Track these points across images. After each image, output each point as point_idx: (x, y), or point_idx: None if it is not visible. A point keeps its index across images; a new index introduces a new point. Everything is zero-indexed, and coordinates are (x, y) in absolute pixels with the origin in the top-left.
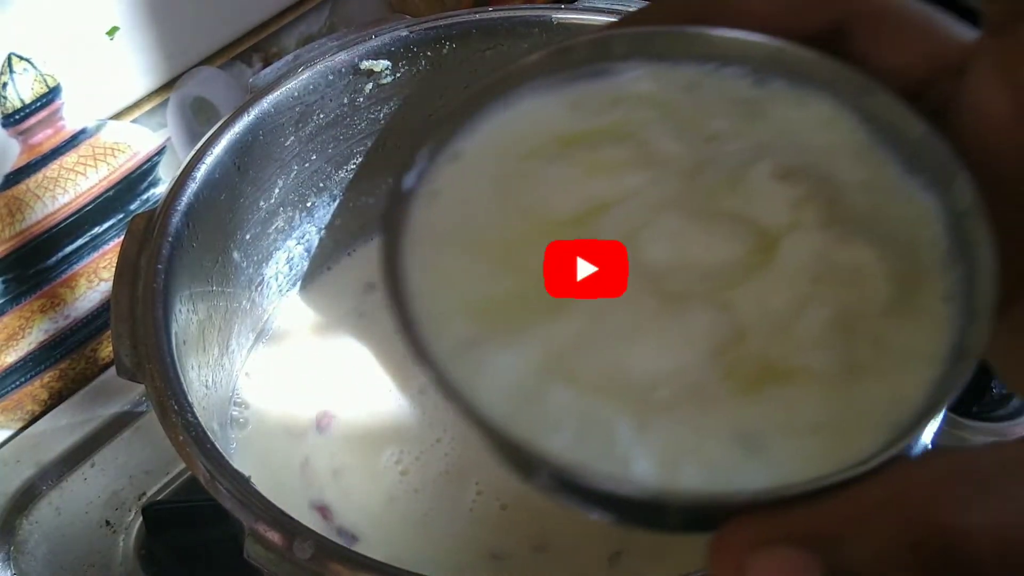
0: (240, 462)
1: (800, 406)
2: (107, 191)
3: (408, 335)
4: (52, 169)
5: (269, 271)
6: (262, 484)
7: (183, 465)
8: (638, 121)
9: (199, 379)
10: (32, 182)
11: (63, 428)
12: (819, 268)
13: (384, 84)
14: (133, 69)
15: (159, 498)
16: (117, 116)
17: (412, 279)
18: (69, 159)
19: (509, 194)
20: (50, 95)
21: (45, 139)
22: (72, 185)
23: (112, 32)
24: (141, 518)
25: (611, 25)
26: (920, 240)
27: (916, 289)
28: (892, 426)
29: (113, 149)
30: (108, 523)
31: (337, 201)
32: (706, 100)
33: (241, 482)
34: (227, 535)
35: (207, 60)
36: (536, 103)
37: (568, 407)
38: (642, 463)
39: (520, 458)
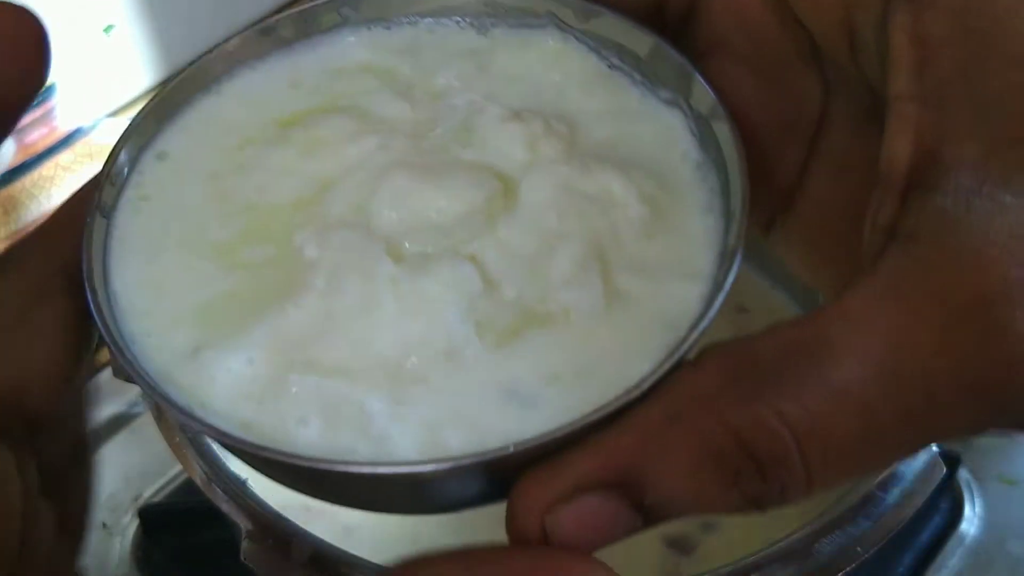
0: (237, 464)
1: (563, 350)
2: None
3: (118, 356)
4: (47, 168)
5: None
6: (259, 487)
7: (180, 467)
8: (360, 91)
9: None
10: (27, 181)
11: None
12: (564, 203)
13: None
14: (129, 67)
15: (155, 500)
16: (113, 114)
17: (123, 295)
18: (64, 158)
19: (226, 190)
20: (45, 94)
21: (40, 138)
22: (67, 184)
23: (108, 29)
24: (137, 520)
25: None
26: (670, 157)
27: (672, 206)
28: (665, 349)
29: (109, 148)
30: (104, 525)
31: None
32: (428, 59)
33: (238, 485)
34: (224, 538)
35: None
36: (251, 87)
37: (311, 396)
38: (402, 440)
39: (273, 465)
